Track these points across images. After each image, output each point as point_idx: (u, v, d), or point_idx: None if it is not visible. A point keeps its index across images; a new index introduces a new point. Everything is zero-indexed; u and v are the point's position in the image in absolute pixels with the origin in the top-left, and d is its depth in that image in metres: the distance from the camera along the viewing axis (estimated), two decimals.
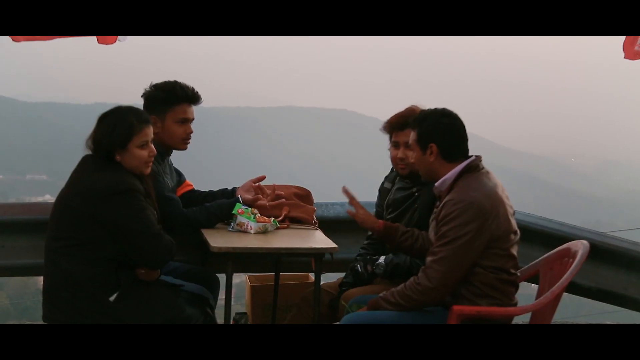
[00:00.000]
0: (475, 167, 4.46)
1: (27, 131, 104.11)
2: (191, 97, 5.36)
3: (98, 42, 5.99)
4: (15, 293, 26.06)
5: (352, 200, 5.02)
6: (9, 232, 6.07)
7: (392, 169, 5.47)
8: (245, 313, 6.53)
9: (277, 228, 5.40)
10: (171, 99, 5.29)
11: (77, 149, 4.74)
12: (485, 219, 4.25)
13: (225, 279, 5.07)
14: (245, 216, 5.29)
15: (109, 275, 4.55)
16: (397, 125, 5.18)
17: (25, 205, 6.35)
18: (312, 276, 6.01)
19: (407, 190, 5.30)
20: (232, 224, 5.33)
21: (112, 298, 4.54)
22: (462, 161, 4.48)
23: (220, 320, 5.12)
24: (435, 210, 4.60)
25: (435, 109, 4.60)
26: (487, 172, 4.51)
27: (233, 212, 5.35)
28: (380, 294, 4.52)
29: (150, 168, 4.76)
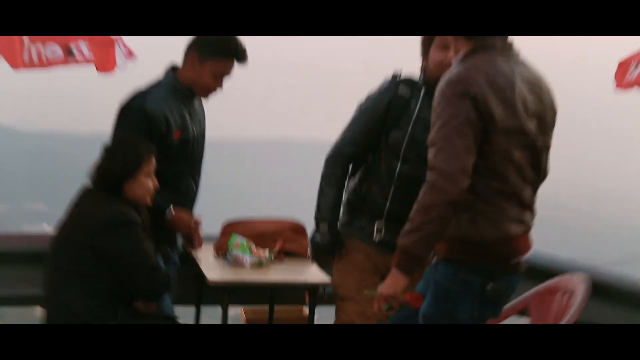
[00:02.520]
0: (489, 46, 3.74)
1: (24, 160, 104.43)
2: (241, 55, 4.98)
3: (97, 71, 5.96)
4: (13, 323, 26.14)
5: None
6: (7, 262, 6.05)
7: (408, 78, 4.83)
8: None
9: (273, 262, 5.37)
10: (221, 49, 4.90)
11: (75, 179, 4.79)
12: (475, 96, 3.56)
13: (221, 311, 5.07)
14: (240, 250, 5.30)
15: (107, 307, 4.54)
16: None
17: (23, 237, 6.39)
18: (306, 309, 5.97)
19: None
20: (228, 258, 5.33)
21: None
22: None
23: None
24: None
25: None
26: (514, 58, 3.79)
27: (229, 244, 5.38)
28: (399, 238, 3.73)
29: (150, 200, 4.76)
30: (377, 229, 4.85)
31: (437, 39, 4.63)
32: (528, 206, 3.81)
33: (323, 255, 5.03)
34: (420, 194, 3.61)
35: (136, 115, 4.77)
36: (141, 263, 4.53)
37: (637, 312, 6.63)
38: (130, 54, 6.01)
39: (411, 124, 4.72)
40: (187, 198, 5.19)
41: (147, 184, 4.64)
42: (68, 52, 5.51)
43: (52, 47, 5.42)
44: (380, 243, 4.85)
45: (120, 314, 4.56)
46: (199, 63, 4.88)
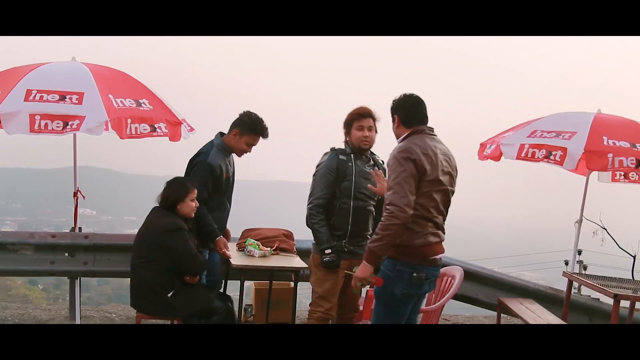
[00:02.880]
0: (421, 131, 3.86)
1: (126, 191, 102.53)
2: (264, 134, 5.08)
3: (170, 140, 5.71)
4: (115, 287, 25.84)
5: (376, 176, 4.42)
6: (115, 250, 6.15)
7: (341, 148, 4.84)
8: (251, 305, 6.58)
9: (272, 254, 5.41)
10: (254, 129, 5.04)
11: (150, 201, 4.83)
12: (414, 160, 3.67)
13: (239, 283, 5.09)
14: (253, 246, 5.35)
15: (167, 280, 4.63)
16: (364, 113, 4.75)
17: (122, 235, 6.41)
18: (292, 284, 5.89)
19: (367, 161, 4.86)
20: (244, 250, 5.37)
21: (169, 295, 4.63)
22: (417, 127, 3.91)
23: (235, 307, 5.11)
24: None
25: (404, 94, 4.00)
26: (433, 137, 3.90)
27: (245, 243, 5.44)
28: (368, 243, 3.79)
29: (193, 214, 4.81)
30: (345, 243, 4.78)
31: (355, 123, 4.75)
32: (441, 227, 3.88)
33: (333, 268, 4.71)
34: (383, 218, 3.67)
35: (204, 167, 4.91)
36: (186, 253, 4.59)
37: (493, 289, 6.79)
38: (191, 129, 5.99)
39: (354, 176, 4.74)
40: (226, 214, 5.24)
41: (191, 205, 4.76)
42: (153, 129, 5.47)
43: (144, 125, 5.39)
44: (348, 252, 4.76)
45: (175, 285, 4.63)
46: (239, 136, 5.02)
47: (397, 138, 3.97)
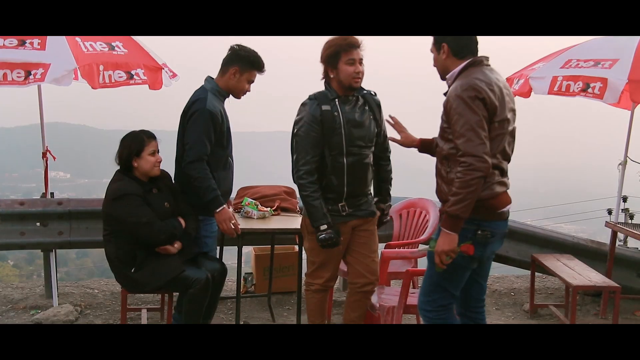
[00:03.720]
0: (479, 62, 3.70)
1: (100, 148, 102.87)
2: (263, 68, 4.87)
3: (150, 88, 5.76)
4: (96, 259, 26.19)
5: (396, 125, 4.30)
6: (93, 218, 6.18)
7: (322, 93, 4.45)
8: (251, 273, 6.65)
9: (272, 215, 5.44)
10: (256, 64, 4.81)
11: None
12: (483, 99, 3.51)
13: (237, 250, 5.09)
14: (250, 207, 5.38)
15: (128, 254, 4.63)
16: (354, 43, 4.37)
17: (102, 200, 6.40)
18: (296, 248, 6.01)
19: (355, 103, 4.51)
20: (241, 212, 5.40)
21: (132, 270, 4.64)
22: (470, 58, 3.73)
23: (233, 277, 5.12)
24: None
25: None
26: (492, 69, 3.74)
27: (242, 203, 5.46)
28: (446, 208, 3.59)
29: (159, 170, 4.75)
30: (342, 206, 4.47)
31: (344, 57, 4.36)
32: (506, 173, 3.71)
33: (332, 247, 4.38)
34: (459, 173, 3.48)
35: (204, 115, 4.60)
36: (138, 222, 4.54)
37: (525, 245, 6.82)
38: (173, 75, 5.96)
39: (343, 127, 4.40)
40: (232, 174, 4.99)
41: (150, 159, 4.68)
42: (130, 76, 5.43)
43: (119, 72, 5.36)
44: (346, 215, 4.48)
45: (138, 259, 4.63)
46: (239, 74, 4.77)
47: (443, 72, 3.82)
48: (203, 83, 4.84)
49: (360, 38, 4.42)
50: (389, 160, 4.74)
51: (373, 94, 4.60)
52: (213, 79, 4.85)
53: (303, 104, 4.49)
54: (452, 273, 3.72)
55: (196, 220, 4.84)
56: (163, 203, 4.73)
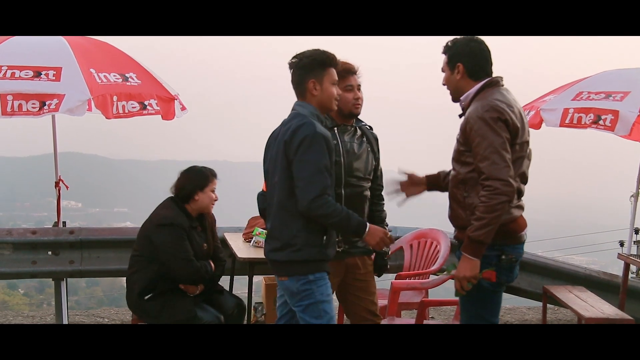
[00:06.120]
0: (496, 83, 3.59)
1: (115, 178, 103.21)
2: (334, 62, 3.87)
3: (162, 119, 5.72)
4: (106, 288, 26.18)
5: (410, 176, 4.03)
6: (104, 247, 6.20)
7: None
8: (261, 302, 6.62)
9: None
10: (327, 61, 3.82)
11: (155, 192, 4.83)
12: (506, 120, 3.41)
13: (247, 279, 5.11)
14: (261, 236, 5.38)
15: (150, 281, 4.60)
16: (351, 69, 4.21)
17: (113, 229, 6.45)
18: None
19: (353, 133, 4.30)
20: (251, 241, 5.42)
21: (146, 298, 4.61)
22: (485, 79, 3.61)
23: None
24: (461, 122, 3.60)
25: (464, 36, 3.69)
26: (507, 89, 3.63)
27: (253, 233, 5.46)
28: (469, 233, 3.41)
29: (212, 208, 4.82)
30: (337, 241, 4.03)
31: (341, 83, 4.03)
32: (522, 196, 3.60)
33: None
34: (484, 197, 3.34)
35: (318, 141, 3.62)
36: (174, 254, 4.52)
37: (537, 276, 6.78)
38: (183, 108, 5.98)
39: (342, 157, 4.16)
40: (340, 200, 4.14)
41: (211, 196, 4.75)
42: (143, 107, 5.44)
43: (132, 103, 5.37)
44: (342, 252, 4.16)
45: (158, 288, 4.59)
46: (319, 84, 3.79)
47: (456, 92, 3.69)
48: (292, 111, 3.88)
49: (356, 65, 4.27)
50: (383, 199, 4.48)
51: (369, 127, 4.43)
52: (302, 102, 3.89)
53: None
54: (486, 300, 3.65)
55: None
56: (202, 243, 4.74)
